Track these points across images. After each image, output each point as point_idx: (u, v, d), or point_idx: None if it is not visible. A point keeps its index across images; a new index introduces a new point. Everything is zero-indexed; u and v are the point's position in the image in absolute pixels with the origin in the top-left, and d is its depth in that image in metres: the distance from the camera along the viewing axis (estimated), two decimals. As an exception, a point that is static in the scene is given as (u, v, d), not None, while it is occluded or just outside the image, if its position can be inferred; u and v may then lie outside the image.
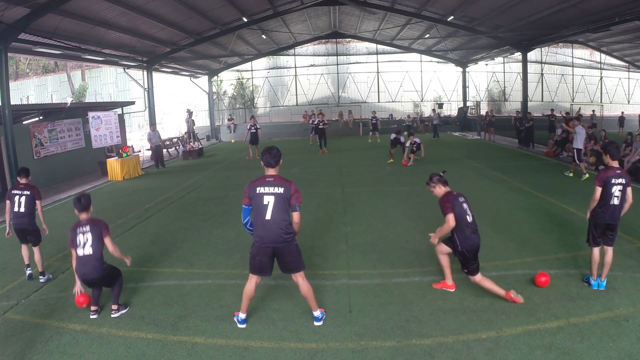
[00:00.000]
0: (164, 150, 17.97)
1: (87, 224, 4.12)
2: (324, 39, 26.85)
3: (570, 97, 28.65)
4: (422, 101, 27.89)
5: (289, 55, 27.53)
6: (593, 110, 23.61)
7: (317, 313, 3.98)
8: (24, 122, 12.49)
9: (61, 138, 12.93)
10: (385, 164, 13.26)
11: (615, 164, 4.39)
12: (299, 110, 26.99)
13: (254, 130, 15.66)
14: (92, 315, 4.22)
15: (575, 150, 10.51)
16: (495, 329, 3.73)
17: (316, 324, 3.95)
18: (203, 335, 3.83)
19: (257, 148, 15.34)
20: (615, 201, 4.28)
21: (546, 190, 8.94)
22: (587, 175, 10.15)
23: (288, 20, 20.47)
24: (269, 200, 3.63)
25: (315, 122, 17.43)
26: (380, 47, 27.23)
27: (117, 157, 12.80)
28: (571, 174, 10.67)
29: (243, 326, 3.94)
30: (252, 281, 3.85)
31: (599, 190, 4.31)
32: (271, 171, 3.76)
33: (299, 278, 3.84)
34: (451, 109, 27.20)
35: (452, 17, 17.49)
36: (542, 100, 28.06)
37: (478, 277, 4.22)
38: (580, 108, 23.52)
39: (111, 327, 4.03)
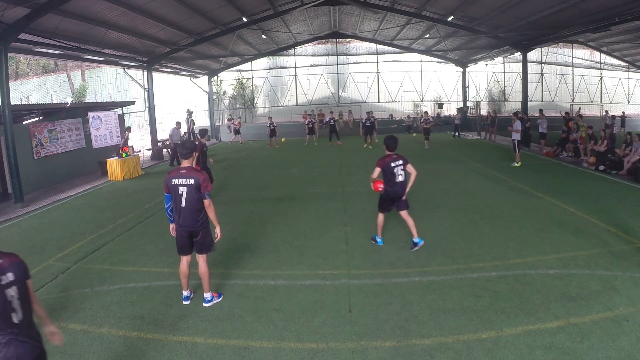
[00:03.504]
0: (164, 150, 17.99)
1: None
2: (324, 39, 26.80)
3: (570, 97, 28.61)
4: (422, 101, 27.86)
5: (289, 55, 27.49)
6: (606, 111, 23.37)
7: (207, 295, 4.42)
8: (24, 122, 12.47)
9: (61, 138, 12.91)
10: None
11: (392, 152, 5.57)
12: (299, 110, 26.92)
13: (273, 127, 19.63)
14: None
15: (513, 141, 12.01)
16: (495, 329, 3.73)
17: (204, 305, 4.37)
18: (203, 335, 3.83)
19: (276, 140, 19.84)
20: (400, 179, 5.48)
21: (546, 190, 8.93)
22: (519, 164, 11.82)
23: (288, 20, 20.46)
24: (183, 190, 4.13)
25: (328, 119, 20.75)
26: (380, 47, 27.18)
27: (117, 157, 12.79)
28: (518, 164, 11.86)
29: (187, 303, 4.43)
30: (183, 261, 4.37)
31: (378, 170, 5.49)
32: (185, 163, 4.25)
33: (201, 259, 4.33)
34: (451, 109, 27.17)
35: (452, 17, 17.46)
36: (542, 100, 28.00)
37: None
38: (580, 108, 23.47)
39: (111, 327, 4.03)
